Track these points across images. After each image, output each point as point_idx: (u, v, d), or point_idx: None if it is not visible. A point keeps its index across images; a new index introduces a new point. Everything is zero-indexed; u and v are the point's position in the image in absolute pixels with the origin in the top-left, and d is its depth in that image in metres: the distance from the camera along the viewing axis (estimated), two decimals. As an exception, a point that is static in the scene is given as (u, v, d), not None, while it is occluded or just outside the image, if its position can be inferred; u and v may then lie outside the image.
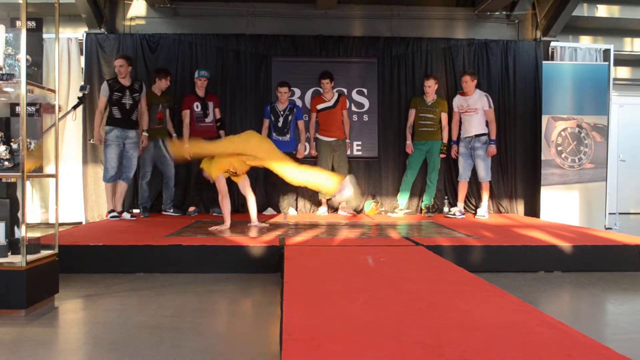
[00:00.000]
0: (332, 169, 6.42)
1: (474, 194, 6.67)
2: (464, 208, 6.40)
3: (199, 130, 6.07)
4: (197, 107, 6.10)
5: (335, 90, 6.47)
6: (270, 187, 6.42)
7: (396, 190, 6.68)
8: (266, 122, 6.31)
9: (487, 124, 6.13)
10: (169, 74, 6.08)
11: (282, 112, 6.20)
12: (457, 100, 6.27)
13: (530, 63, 6.89)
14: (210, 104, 6.18)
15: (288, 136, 6.24)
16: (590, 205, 6.68)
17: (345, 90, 6.66)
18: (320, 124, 6.40)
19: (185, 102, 6.13)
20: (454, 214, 6.20)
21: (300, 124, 6.35)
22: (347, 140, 6.47)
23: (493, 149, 6.07)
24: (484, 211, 6.17)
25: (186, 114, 6.09)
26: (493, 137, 6.08)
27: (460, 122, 6.27)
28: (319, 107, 6.36)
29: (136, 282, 3.43)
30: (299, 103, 6.75)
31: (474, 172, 6.23)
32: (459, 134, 6.28)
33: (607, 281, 3.63)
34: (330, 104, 6.33)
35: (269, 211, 6.41)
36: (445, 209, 6.71)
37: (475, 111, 6.08)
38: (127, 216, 5.68)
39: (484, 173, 6.11)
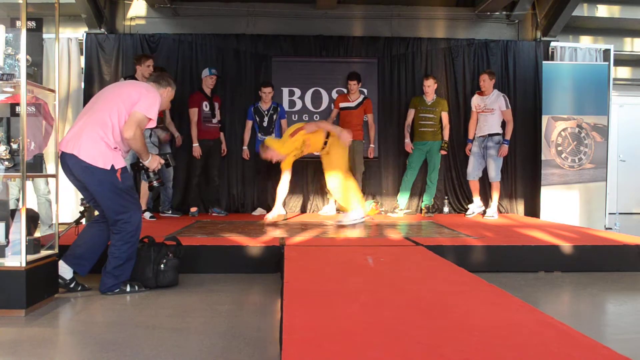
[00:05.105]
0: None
1: (469, 194, 6.64)
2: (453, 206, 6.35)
3: (206, 130, 6.03)
4: (205, 106, 6.02)
5: (359, 91, 6.44)
6: (261, 185, 6.44)
7: (396, 190, 6.69)
8: (249, 124, 6.27)
9: (503, 124, 6.12)
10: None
11: (266, 112, 6.17)
12: (475, 100, 6.28)
13: (530, 63, 6.89)
14: (216, 104, 6.15)
15: (273, 135, 6.18)
16: (590, 205, 6.67)
17: (345, 90, 6.65)
18: (340, 123, 6.35)
19: (193, 100, 5.99)
20: (473, 212, 6.20)
21: (284, 122, 6.29)
22: (372, 145, 6.45)
23: (505, 149, 6.02)
24: (493, 211, 6.14)
25: (194, 112, 5.97)
26: (508, 137, 6.05)
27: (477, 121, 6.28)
28: (341, 105, 6.35)
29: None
30: (299, 103, 6.75)
31: (485, 172, 6.22)
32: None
33: (607, 281, 3.63)
34: (353, 104, 6.30)
35: (259, 211, 6.38)
36: (446, 209, 6.72)
37: (491, 111, 6.06)
38: (147, 216, 5.55)
39: (494, 173, 6.09)
